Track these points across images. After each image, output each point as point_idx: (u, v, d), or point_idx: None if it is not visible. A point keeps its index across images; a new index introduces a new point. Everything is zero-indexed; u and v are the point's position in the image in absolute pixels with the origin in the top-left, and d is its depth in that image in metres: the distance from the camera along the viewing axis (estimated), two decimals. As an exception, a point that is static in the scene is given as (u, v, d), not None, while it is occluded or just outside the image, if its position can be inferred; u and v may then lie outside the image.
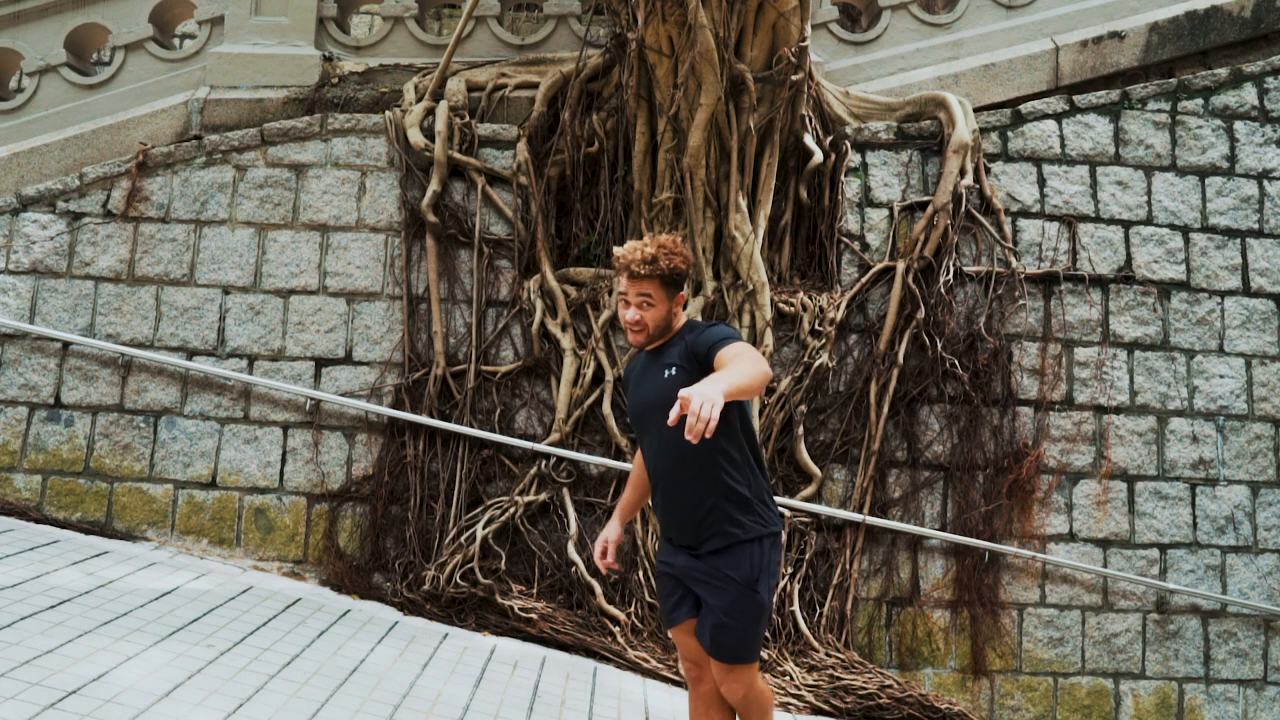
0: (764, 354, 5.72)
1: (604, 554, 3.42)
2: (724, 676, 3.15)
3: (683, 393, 2.53)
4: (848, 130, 6.19)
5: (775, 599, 5.48)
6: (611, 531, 3.45)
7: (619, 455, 5.72)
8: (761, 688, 3.21)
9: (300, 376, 5.88)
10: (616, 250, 3.20)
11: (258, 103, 6.35)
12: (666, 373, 3.11)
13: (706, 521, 3.08)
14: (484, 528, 5.55)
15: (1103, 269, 6.08)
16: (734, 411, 3.11)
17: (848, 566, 5.66)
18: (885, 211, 6.10)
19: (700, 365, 3.02)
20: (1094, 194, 6.16)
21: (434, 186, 5.91)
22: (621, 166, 6.18)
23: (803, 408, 5.76)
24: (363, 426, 5.85)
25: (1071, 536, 5.88)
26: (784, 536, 5.44)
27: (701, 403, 2.48)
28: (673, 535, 3.23)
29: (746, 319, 5.80)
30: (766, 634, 5.44)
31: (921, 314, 5.81)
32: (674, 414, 2.55)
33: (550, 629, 5.37)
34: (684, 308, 3.30)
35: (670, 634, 3.48)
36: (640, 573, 5.56)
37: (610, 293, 5.83)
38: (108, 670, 3.73)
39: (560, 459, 5.69)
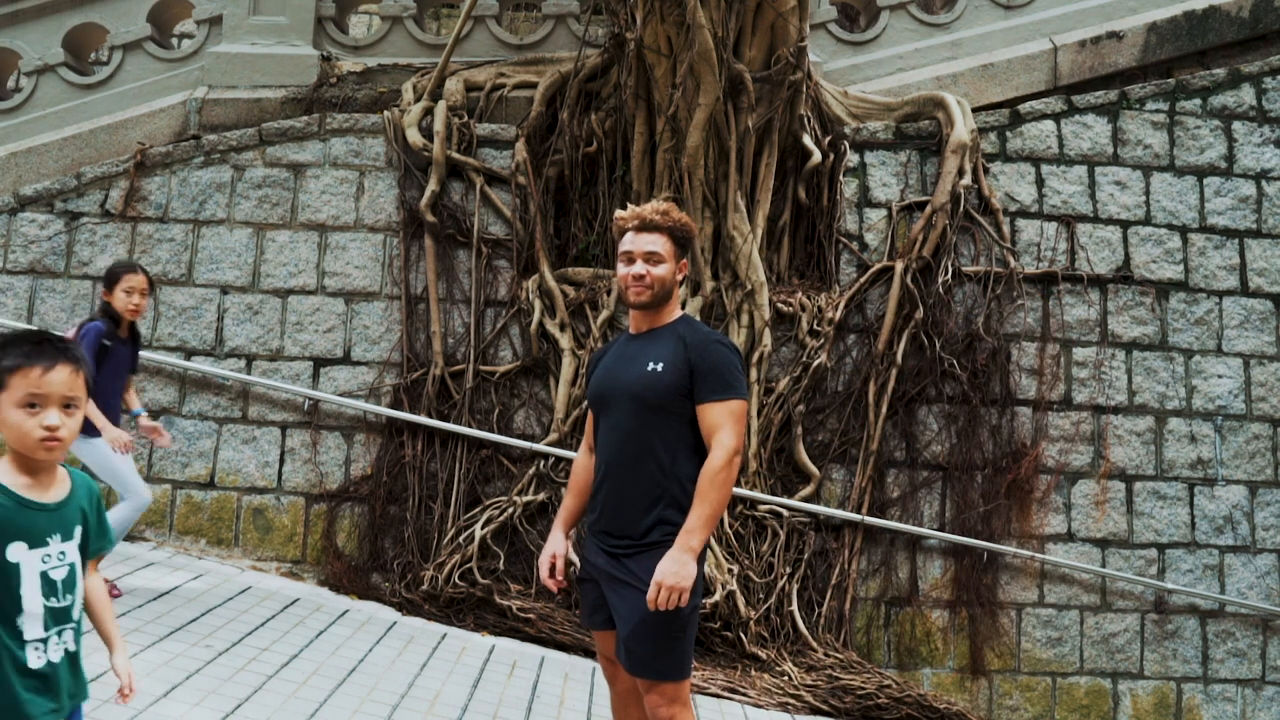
0: (762, 354, 5.73)
1: (552, 572, 3.07)
2: (646, 692, 2.87)
3: (658, 578, 2.71)
4: (846, 130, 6.19)
5: (783, 601, 5.50)
6: (557, 544, 3.09)
7: (617, 455, 5.71)
8: (691, 717, 2.88)
9: (298, 376, 5.88)
10: (621, 213, 2.98)
11: (256, 102, 6.34)
12: (651, 365, 2.87)
13: (649, 512, 2.86)
14: (482, 528, 5.54)
15: (1101, 269, 6.09)
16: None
17: (846, 566, 5.66)
18: (884, 211, 6.10)
19: (691, 381, 2.85)
20: (1092, 194, 6.16)
21: (432, 186, 5.91)
22: (620, 166, 6.18)
23: (801, 407, 5.76)
24: (361, 426, 5.85)
25: (1070, 536, 5.88)
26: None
27: (670, 595, 2.70)
28: (604, 525, 2.95)
29: (745, 319, 5.79)
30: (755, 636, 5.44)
31: (920, 314, 5.81)
32: (650, 599, 2.72)
33: (549, 629, 5.36)
34: (681, 285, 3.11)
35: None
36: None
37: (609, 292, 5.83)
38: (105, 670, 3.72)
39: (559, 459, 5.68)
